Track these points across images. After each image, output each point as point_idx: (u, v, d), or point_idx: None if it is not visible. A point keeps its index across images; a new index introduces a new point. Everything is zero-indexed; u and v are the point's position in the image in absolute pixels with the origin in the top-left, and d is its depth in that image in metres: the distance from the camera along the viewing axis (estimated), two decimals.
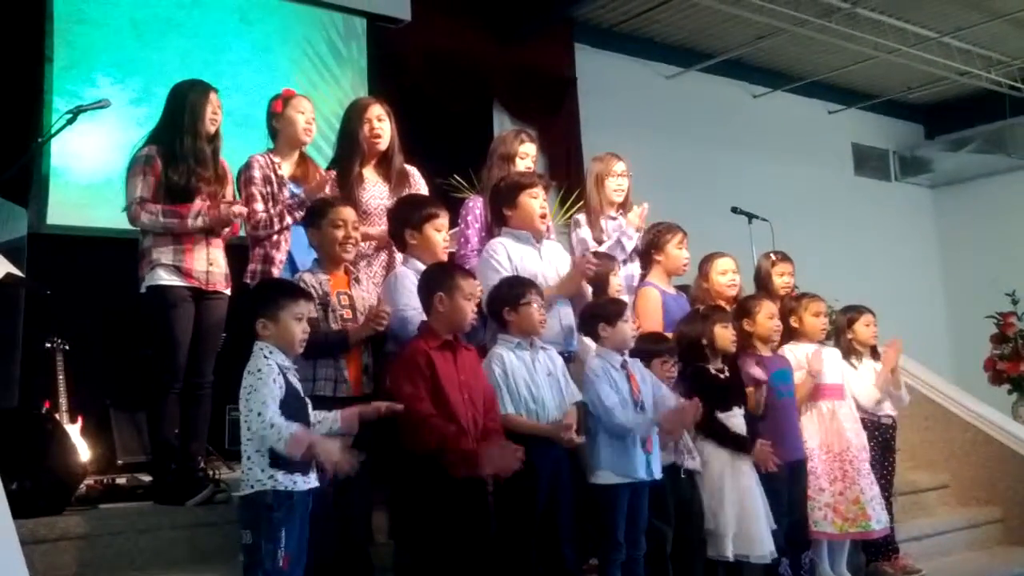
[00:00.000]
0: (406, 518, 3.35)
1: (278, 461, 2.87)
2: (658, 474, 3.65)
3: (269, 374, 2.90)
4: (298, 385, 3.04)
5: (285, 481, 2.87)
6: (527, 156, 4.36)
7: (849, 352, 4.86)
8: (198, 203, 3.85)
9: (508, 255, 3.78)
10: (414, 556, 3.32)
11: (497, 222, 4.00)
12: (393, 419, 3.22)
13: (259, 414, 2.84)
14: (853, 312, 4.95)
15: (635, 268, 4.60)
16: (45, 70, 5.95)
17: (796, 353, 4.57)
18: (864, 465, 4.49)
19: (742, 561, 3.93)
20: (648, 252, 4.56)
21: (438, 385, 3.25)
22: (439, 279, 3.40)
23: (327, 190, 3.96)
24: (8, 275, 3.82)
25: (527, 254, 3.85)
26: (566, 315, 3.86)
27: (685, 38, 9.23)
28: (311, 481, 2.98)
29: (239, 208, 3.89)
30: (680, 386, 4.03)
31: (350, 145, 4.20)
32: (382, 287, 3.83)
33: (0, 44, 5.81)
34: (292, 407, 2.94)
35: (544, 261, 3.89)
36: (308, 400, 3.09)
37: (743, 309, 4.43)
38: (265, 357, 2.95)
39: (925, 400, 6.06)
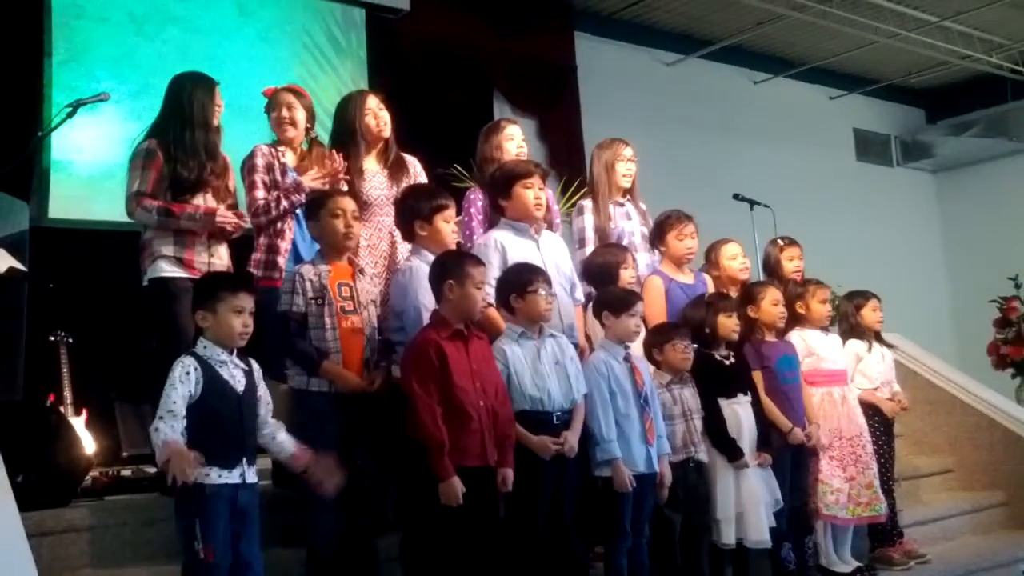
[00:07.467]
0: (412, 508, 3.34)
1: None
2: (657, 467, 3.65)
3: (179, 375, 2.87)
4: (230, 377, 2.98)
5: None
6: (512, 138, 4.34)
7: (856, 337, 4.86)
8: (197, 204, 3.85)
9: (503, 249, 3.74)
10: (420, 547, 3.31)
11: (495, 213, 3.97)
12: (400, 409, 3.22)
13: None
14: (859, 298, 4.94)
15: (651, 259, 4.61)
16: (44, 64, 5.96)
17: (803, 339, 4.56)
18: (871, 448, 4.52)
19: (746, 546, 3.95)
20: (654, 241, 4.57)
21: (449, 376, 3.22)
22: (450, 267, 3.37)
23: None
24: (11, 268, 3.81)
25: (524, 247, 3.79)
26: (567, 312, 3.83)
27: (685, 25, 9.20)
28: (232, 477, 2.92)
29: (242, 222, 3.91)
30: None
31: (351, 139, 4.18)
32: (394, 281, 3.77)
33: (0, 39, 5.81)
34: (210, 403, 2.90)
35: (541, 253, 3.83)
36: (263, 397, 3.06)
37: (748, 295, 4.43)
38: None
39: (928, 385, 6.07)
